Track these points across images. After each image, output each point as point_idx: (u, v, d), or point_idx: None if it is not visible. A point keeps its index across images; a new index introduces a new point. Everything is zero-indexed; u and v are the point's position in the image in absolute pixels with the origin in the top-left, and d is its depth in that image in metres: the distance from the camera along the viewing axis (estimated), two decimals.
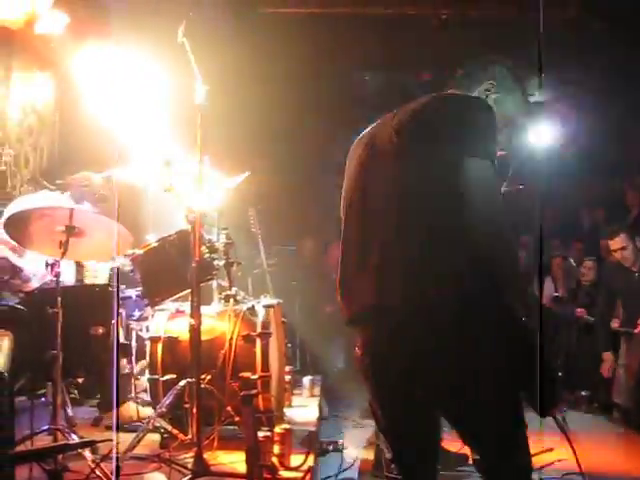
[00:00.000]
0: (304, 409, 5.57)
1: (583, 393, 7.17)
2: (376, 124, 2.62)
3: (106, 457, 3.48)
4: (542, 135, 6.96)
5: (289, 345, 6.46)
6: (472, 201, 2.28)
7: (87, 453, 3.53)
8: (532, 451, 4.71)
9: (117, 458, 3.49)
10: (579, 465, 3.88)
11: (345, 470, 4.73)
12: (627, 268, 6.49)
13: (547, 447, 4.88)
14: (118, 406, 4.46)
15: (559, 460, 4.65)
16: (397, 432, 2.54)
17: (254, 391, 3.99)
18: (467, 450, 4.50)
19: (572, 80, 8.08)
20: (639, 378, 5.96)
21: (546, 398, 2.39)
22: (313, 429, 4.80)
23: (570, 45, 7.40)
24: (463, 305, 2.25)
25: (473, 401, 2.33)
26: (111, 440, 3.21)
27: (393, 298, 2.32)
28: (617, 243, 6.40)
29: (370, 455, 4.89)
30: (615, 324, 6.50)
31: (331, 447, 5.07)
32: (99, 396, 4.88)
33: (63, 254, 3.78)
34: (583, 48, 7.62)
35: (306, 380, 6.12)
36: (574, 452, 3.69)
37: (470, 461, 4.38)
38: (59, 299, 3.72)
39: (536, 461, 4.74)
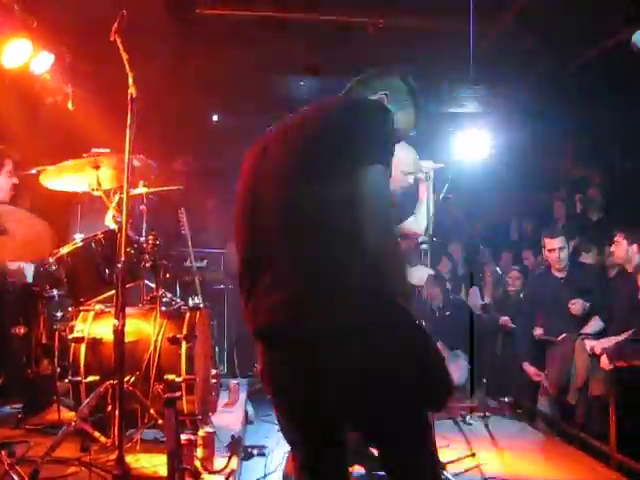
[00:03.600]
0: (229, 413, 5.55)
1: (506, 399, 7.30)
2: (270, 132, 2.57)
3: (20, 458, 3.41)
4: (475, 147, 7.09)
5: (216, 348, 6.45)
6: (365, 208, 2.25)
7: (4, 456, 3.46)
8: (456, 456, 4.81)
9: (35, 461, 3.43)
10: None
11: (269, 474, 4.74)
12: (552, 275, 6.66)
13: (470, 452, 4.98)
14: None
15: (480, 465, 4.74)
16: (301, 452, 2.49)
17: (177, 394, 3.97)
18: None
19: (503, 93, 8.26)
20: (560, 386, 6.11)
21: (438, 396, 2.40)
22: (237, 433, 4.78)
23: (503, 58, 7.56)
24: (360, 308, 2.23)
25: (380, 413, 2.29)
26: (27, 441, 3.13)
27: (288, 315, 2.28)
28: (557, 242, 6.54)
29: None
30: (538, 332, 6.64)
31: (256, 451, 5.08)
32: (22, 399, 4.78)
33: None
34: (515, 62, 7.78)
35: (232, 383, 6.10)
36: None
37: None
38: None
39: (458, 466, 4.84)
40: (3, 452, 3.44)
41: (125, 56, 3.82)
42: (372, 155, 2.32)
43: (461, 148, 7.09)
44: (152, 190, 4.85)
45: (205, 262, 7.59)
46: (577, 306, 6.29)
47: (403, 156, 4.53)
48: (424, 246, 4.90)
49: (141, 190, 4.76)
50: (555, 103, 8.37)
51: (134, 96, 3.76)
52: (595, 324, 6.20)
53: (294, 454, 2.55)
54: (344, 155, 2.32)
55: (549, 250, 6.62)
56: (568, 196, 9.13)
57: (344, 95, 2.68)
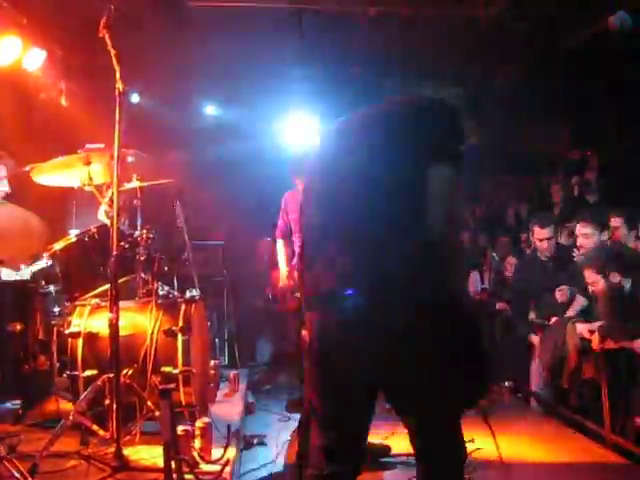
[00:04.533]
0: (229, 403, 5.58)
1: (507, 384, 7.33)
2: (347, 119, 2.70)
3: (19, 453, 3.44)
4: (470, 130, 7.08)
5: (216, 340, 6.47)
6: (433, 200, 2.40)
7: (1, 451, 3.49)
8: None
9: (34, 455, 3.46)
10: (499, 453, 4.00)
11: (269, 463, 4.77)
12: (542, 260, 6.66)
13: (469, 438, 4.99)
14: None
15: (478, 449, 4.75)
16: (336, 416, 2.60)
17: (171, 385, 3.99)
18: (389, 442, 4.61)
19: (493, 78, 8.26)
20: (553, 370, 6.12)
21: (476, 388, 2.50)
22: (236, 423, 4.81)
23: (493, 43, 7.55)
24: (419, 291, 2.37)
25: (426, 386, 2.44)
26: (17, 436, 3.16)
27: (353, 282, 2.42)
28: (546, 233, 6.54)
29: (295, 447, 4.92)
30: (532, 315, 6.66)
31: (256, 441, 5.11)
32: (20, 395, 4.81)
33: None
34: (505, 47, 7.76)
35: (232, 374, 6.13)
36: (495, 440, 3.78)
37: (392, 452, 4.49)
38: None
39: None
40: (1, 447, 3.47)
41: (113, 51, 3.84)
42: (445, 151, 2.50)
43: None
44: (145, 184, 4.85)
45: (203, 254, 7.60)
46: (563, 293, 6.29)
47: None
48: None
49: (134, 184, 4.77)
50: (550, 85, 8.35)
51: (122, 90, 3.78)
52: (578, 303, 6.20)
53: (319, 420, 2.66)
54: (419, 148, 2.48)
55: (539, 239, 6.63)
56: (565, 179, 9.12)
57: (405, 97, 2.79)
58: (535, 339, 6.58)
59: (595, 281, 5.55)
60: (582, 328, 5.67)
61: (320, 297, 2.54)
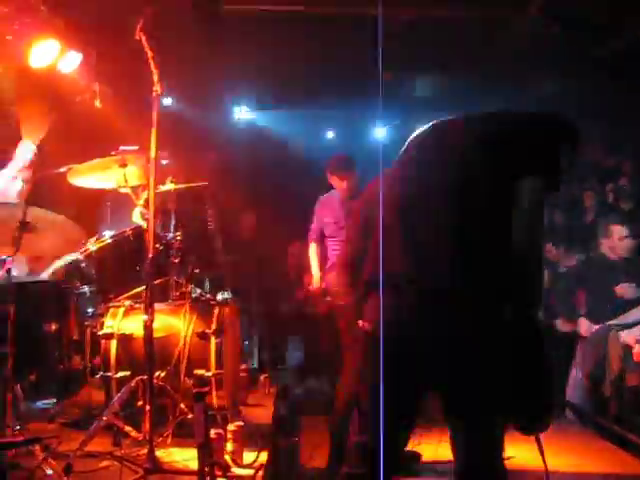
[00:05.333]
0: (260, 407, 5.57)
1: None
2: (444, 123, 2.70)
3: (53, 452, 3.45)
4: None
5: (246, 342, 6.47)
6: (522, 220, 2.39)
7: (38, 450, 3.51)
8: None
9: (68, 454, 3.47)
10: (546, 467, 3.96)
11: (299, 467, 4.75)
12: (609, 260, 6.55)
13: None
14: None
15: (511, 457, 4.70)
16: (389, 408, 2.54)
17: (206, 388, 3.99)
18: (420, 449, 4.56)
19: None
20: (593, 378, 6.04)
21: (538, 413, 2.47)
22: (268, 427, 4.80)
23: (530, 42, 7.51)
24: (494, 301, 2.40)
25: (479, 394, 2.44)
26: (57, 437, 3.17)
27: (427, 271, 2.46)
28: (624, 230, 6.43)
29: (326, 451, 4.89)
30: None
31: (286, 446, 5.08)
32: (53, 394, 4.84)
33: (16, 250, 3.74)
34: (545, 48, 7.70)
35: (262, 378, 6.13)
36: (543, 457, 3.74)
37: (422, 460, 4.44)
38: (10, 295, 3.67)
39: None
40: (37, 446, 3.49)
41: (150, 54, 3.85)
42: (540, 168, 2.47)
43: None
44: (179, 187, 4.87)
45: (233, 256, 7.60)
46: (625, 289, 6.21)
47: None
48: None
49: (168, 187, 4.79)
50: (583, 90, 8.27)
51: (159, 93, 3.79)
52: (634, 316, 6.10)
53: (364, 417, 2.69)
54: (523, 167, 2.45)
55: (619, 238, 6.48)
56: (598, 186, 9.02)
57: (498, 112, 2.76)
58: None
59: None
60: (626, 336, 5.59)
61: (393, 276, 2.52)
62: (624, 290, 6.20)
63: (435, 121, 2.72)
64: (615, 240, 6.54)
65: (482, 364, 2.40)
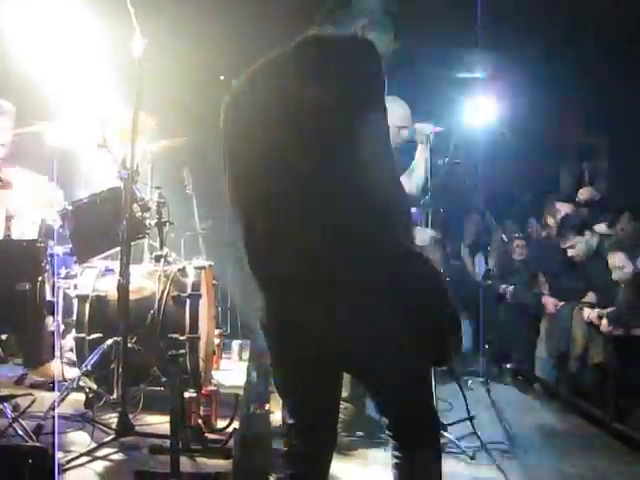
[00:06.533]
0: (232, 373, 5.57)
1: (508, 366, 7.34)
2: (253, 73, 2.45)
3: (24, 413, 3.41)
4: (481, 112, 7.00)
5: (220, 309, 6.45)
6: (366, 157, 2.18)
7: (8, 410, 3.47)
8: (456, 418, 4.84)
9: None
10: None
11: (273, 433, 4.75)
12: (556, 241, 6.64)
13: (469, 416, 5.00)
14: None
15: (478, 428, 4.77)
16: (300, 399, 2.52)
17: (181, 351, 3.97)
18: None
19: (510, 59, 8.16)
20: (558, 354, 6.13)
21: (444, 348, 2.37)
22: (240, 393, 4.80)
23: (509, 21, 7.46)
24: (368, 258, 2.20)
25: (384, 361, 2.29)
26: (31, 395, 3.13)
27: (297, 260, 2.26)
28: (567, 207, 6.50)
29: None
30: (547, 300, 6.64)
31: (257, 410, 5.09)
32: (23, 355, 4.79)
33: None
34: (522, 25, 7.68)
35: (235, 344, 6.11)
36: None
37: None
38: None
39: (458, 428, 4.87)
40: (7, 405, 3.45)
41: (132, 10, 3.76)
42: (367, 101, 2.24)
43: (467, 114, 7.01)
44: (157, 145, 4.81)
45: (210, 222, 7.55)
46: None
47: (397, 109, 4.48)
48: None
49: (146, 146, 4.73)
50: (562, 69, 8.27)
51: (140, 52, 3.71)
52: (592, 296, 6.18)
53: (287, 400, 2.58)
54: (337, 106, 2.21)
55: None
56: (575, 165, 9.08)
57: (315, 36, 2.45)
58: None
59: (623, 265, 5.53)
60: (590, 313, 5.66)
61: (268, 276, 2.40)
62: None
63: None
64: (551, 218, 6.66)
65: (372, 321, 2.22)
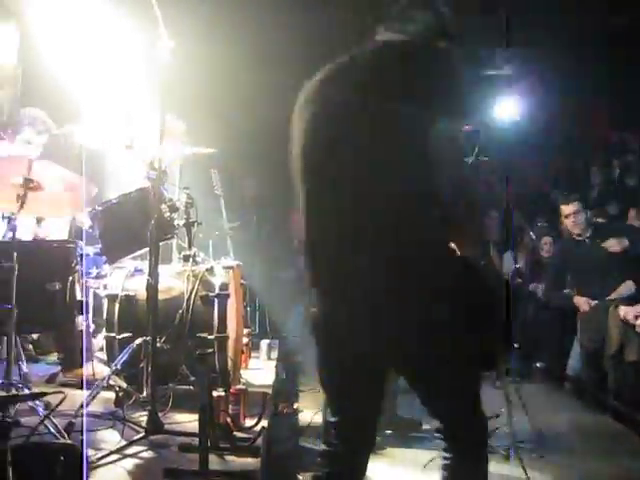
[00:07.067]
0: (260, 372, 5.59)
1: (538, 365, 7.29)
2: (324, 77, 2.46)
3: (55, 410, 3.45)
4: (508, 109, 6.96)
5: (248, 308, 6.47)
6: (441, 167, 2.22)
7: (40, 408, 3.52)
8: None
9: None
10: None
11: (302, 432, 4.77)
12: (577, 240, 6.58)
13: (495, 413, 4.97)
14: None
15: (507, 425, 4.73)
16: (347, 397, 2.52)
17: (209, 350, 3.99)
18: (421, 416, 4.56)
19: (538, 57, 8.11)
20: (593, 353, 6.07)
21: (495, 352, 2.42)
22: (268, 392, 4.82)
23: (538, 18, 7.42)
24: (431, 270, 2.23)
25: (434, 359, 2.31)
26: (62, 393, 3.17)
27: (356, 262, 2.29)
28: (570, 208, 6.48)
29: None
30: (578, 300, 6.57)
31: (286, 410, 5.11)
32: (58, 354, 4.86)
33: (20, 208, 3.72)
34: (552, 23, 7.63)
35: (264, 344, 6.14)
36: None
37: (422, 427, 4.45)
38: (15, 253, 3.66)
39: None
40: (39, 403, 3.49)
41: (157, 12, 3.78)
42: (451, 109, 2.29)
43: (495, 112, 6.97)
44: (186, 150, 4.85)
45: (237, 223, 7.59)
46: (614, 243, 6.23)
47: None
48: None
49: (175, 149, 4.77)
50: (590, 67, 8.21)
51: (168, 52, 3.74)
52: (625, 288, 6.12)
53: (334, 398, 2.57)
54: (421, 107, 2.24)
55: (565, 216, 6.56)
56: (605, 162, 9.00)
57: (391, 43, 2.47)
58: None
59: None
60: (626, 311, 5.60)
61: (324, 275, 2.42)
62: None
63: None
64: (563, 219, 6.60)
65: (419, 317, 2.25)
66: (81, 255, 4.36)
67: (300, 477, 3.92)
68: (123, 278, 4.47)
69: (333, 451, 2.54)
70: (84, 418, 3.51)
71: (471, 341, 2.29)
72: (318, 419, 5.06)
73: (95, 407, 3.96)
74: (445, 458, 2.44)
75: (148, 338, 3.79)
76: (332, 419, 2.56)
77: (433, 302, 2.23)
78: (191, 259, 4.51)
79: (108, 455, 3.35)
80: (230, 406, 3.88)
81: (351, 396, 2.50)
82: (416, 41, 2.47)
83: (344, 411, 2.53)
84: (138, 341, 4.07)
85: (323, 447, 2.58)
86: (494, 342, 2.38)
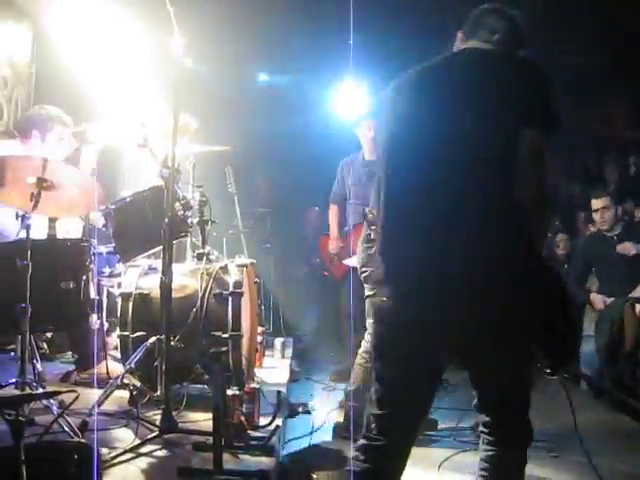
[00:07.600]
0: (275, 370, 5.58)
1: None
2: (434, 70, 2.57)
3: (68, 409, 3.46)
4: None
5: (262, 307, 6.47)
6: (526, 172, 2.31)
7: (54, 407, 3.51)
8: None
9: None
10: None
11: (314, 431, 4.77)
12: (605, 236, 6.53)
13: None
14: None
15: None
16: (402, 390, 2.54)
17: (223, 349, 3.98)
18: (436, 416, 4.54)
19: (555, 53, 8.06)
20: (608, 350, 6.03)
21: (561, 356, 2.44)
22: (283, 390, 4.81)
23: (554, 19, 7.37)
24: (506, 265, 2.30)
25: (509, 356, 2.39)
26: (76, 391, 3.17)
27: (439, 253, 2.36)
28: (600, 203, 6.44)
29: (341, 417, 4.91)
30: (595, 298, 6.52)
31: (300, 409, 5.10)
32: (72, 353, 4.87)
33: (34, 207, 3.72)
34: (565, 22, 7.58)
35: (278, 342, 6.13)
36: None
37: (439, 427, 4.42)
38: (29, 252, 3.66)
39: None
40: (53, 402, 3.49)
41: (171, 11, 3.77)
42: (535, 124, 2.39)
43: None
44: (199, 147, 4.84)
45: (252, 221, 7.59)
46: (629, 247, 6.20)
47: None
48: None
49: (188, 147, 4.76)
50: (607, 64, 8.16)
51: (181, 51, 3.72)
52: None
53: (386, 391, 2.57)
54: (521, 115, 2.37)
55: (595, 210, 6.53)
56: (620, 159, 8.95)
57: (506, 50, 2.64)
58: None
59: None
60: None
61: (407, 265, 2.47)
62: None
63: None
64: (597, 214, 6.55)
65: (497, 308, 2.32)
66: (94, 253, 4.35)
67: (314, 476, 3.92)
68: (137, 276, 4.46)
69: (375, 446, 2.54)
70: (95, 417, 3.50)
71: (546, 342, 2.37)
72: (332, 418, 5.07)
73: (109, 406, 3.96)
74: (487, 451, 2.51)
75: (162, 337, 3.77)
76: (378, 412, 2.56)
77: (516, 301, 2.30)
78: (205, 257, 4.49)
79: (122, 454, 3.34)
80: (244, 405, 3.86)
81: (408, 389, 2.52)
82: (516, 53, 2.66)
83: (396, 404, 2.54)
84: (152, 340, 4.06)
85: (363, 442, 2.58)
86: (567, 345, 2.44)
